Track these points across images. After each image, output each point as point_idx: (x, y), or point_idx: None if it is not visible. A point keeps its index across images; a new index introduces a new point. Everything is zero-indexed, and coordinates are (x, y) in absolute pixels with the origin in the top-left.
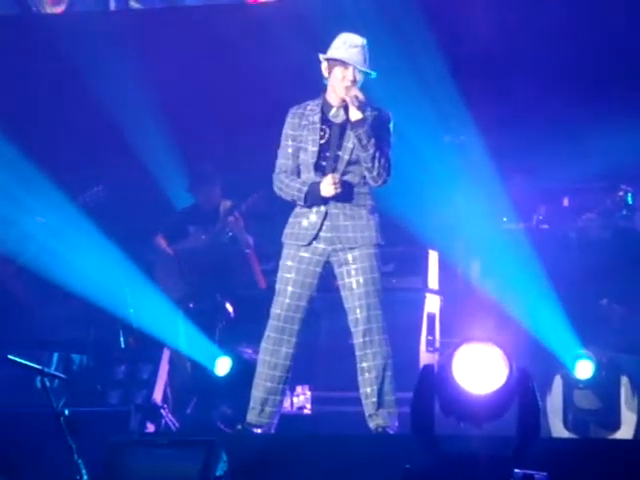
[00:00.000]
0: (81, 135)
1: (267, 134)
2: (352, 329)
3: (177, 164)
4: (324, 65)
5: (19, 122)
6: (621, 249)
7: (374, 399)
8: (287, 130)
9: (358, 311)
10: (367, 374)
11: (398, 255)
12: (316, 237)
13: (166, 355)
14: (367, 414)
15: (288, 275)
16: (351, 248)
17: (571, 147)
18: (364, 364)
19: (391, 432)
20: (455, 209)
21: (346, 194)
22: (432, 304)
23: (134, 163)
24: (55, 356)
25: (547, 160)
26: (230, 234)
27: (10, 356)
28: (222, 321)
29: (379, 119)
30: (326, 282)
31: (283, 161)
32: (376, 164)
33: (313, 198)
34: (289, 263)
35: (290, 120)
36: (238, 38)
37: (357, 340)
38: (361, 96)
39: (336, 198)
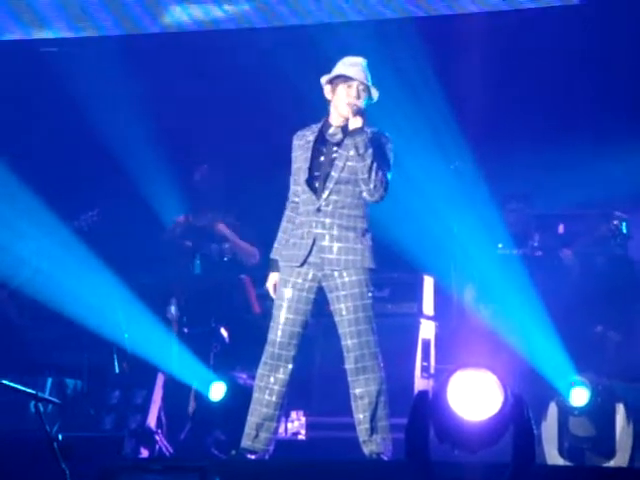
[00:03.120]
0: (75, 159)
1: (263, 161)
2: (344, 355)
3: (172, 189)
4: (327, 89)
5: (13, 146)
6: (616, 276)
7: (367, 425)
8: (292, 154)
9: (349, 338)
10: (360, 400)
11: (393, 281)
12: (306, 260)
13: (160, 380)
14: (361, 440)
15: (282, 302)
16: (340, 273)
17: (566, 174)
18: (357, 390)
19: (385, 458)
20: (450, 235)
21: (334, 215)
22: (427, 330)
23: (129, 187)
24: (49, 381)
25: (542, 187)
26: (226, 259)
27: (4, 381)
28: (217, 346)
29: (379, 138)
30: (320, 307)
31: (292, 187)
32: (373, 176)
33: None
34: (283, 290)
35: (295, 142)
36: (237, 66)
37: (349, 366)
38: (361, 105)
39: (324, 218)
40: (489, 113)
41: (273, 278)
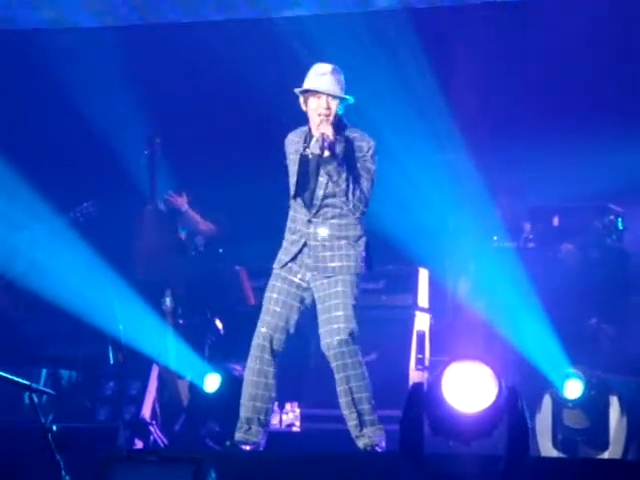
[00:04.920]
0: (71, 150)
1: (259, 155)
2: (325, 353)
3: (167, 179)
4: (301, 99)
5: (8, 137)
6: (610, 269)
7: (355, 421)
8: (286, 157)
9: (328, 336)
10: (345, 397)
11: (388, 273)
12: (293, 260)
13: (155, 371)
14: (353, 435)
15: (272, 294)
16: (328, 277)
17: (561, 167)
18: (340, 387)
19: (379, 450)
20: (445, 228)
21: (325, 226)
22: (422, 322)
23: (124, 178)
24: (43, 372)
25: (537, 179)
26: (199, 250)
27: None
28: (212, 337)
29: (358, 148)
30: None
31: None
32: (350, 197)
33: None
34: (273, 283)
35: (286, 149)
36: (230, 54)
37: (332, 364)
38: (331, 135)
39: (315, 229)
40: (484, 106)
41: None
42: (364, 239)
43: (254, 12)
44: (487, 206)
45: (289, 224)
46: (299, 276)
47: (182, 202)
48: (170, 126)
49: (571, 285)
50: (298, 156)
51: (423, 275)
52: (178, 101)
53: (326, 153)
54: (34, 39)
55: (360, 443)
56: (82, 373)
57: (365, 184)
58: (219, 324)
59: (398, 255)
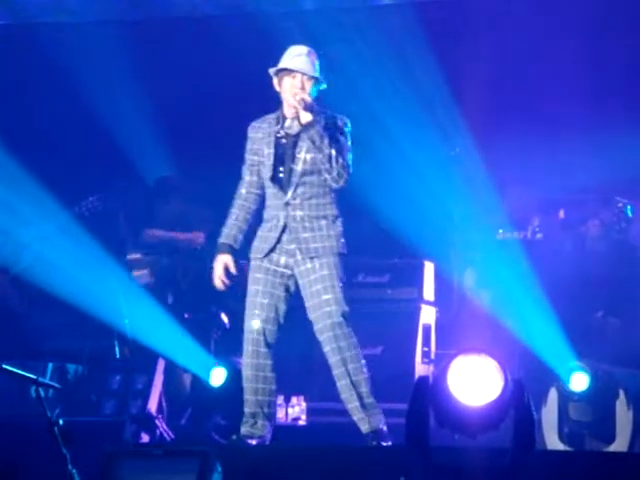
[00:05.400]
0: (77, 144)
1: None
2: (318, 338)
3: (172, 173)
4: (275, 80)
5: (14, 132)
6: (617, 261)
7: (357, 403)
8: (248, 145)
9: (320, 320)
10: (343, 380)
11: (394, 266)
12: (273, 249)
13: (161, 365)
14: (356, 419)
15: (257, 287)
16: (311, 259)
17: (568, 159)
18: (336, 371)
19: (384, 443)
20: (451, 220)
21: (303, 207)
22: (427, 315)
23: (129, 172)
24: (50, 366)
25: (544, 171)
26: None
27: (4, 365)
28: (217, 331)
29: (334, 123)
30: None
31: (247, 178)
32: (334, 164)
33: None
34: (256, 275)
35: (251, 135)
36: (230, 50)
37: (325, 349)
38: (308, 98)
39: (293, 212)
40: (489, 98)
41: (221, 260)
42: (341, 219)
43: (253, 6)
44: (493, 198)
45: (241, 203)
46: (282, 262)
47: (158, 234)
48: (170, 121)
49: (577, 277)
50: (273, 139)
51: (429, 268)
52: (180, 95)
53: (308, 117)
54: (37, 33)
55: (362, 427)
56: (88, 367)
57: (346, 155)
58: (225, 318)
59: (404, 248)
